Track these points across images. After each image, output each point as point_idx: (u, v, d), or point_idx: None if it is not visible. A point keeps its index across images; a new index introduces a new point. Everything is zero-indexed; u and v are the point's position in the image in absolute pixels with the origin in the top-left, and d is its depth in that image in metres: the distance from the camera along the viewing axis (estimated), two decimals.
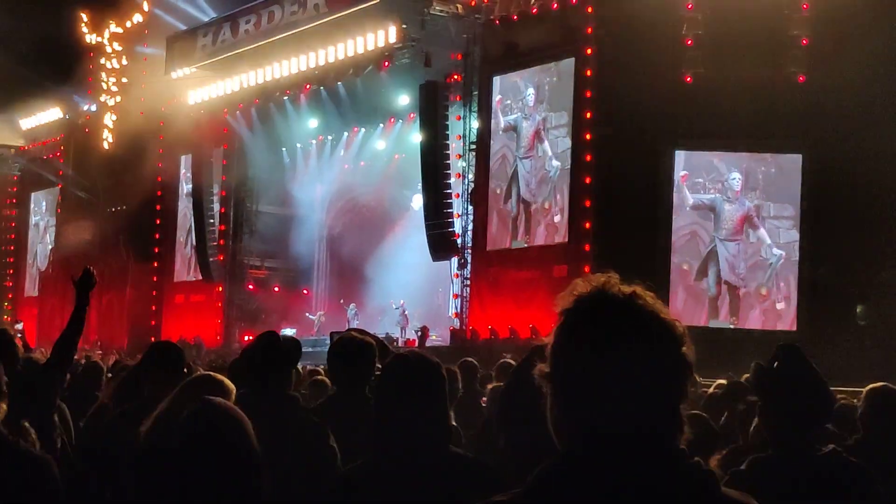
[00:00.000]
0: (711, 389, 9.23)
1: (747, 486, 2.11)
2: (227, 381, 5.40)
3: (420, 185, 28.68)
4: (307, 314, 34.14)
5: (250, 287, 35.97)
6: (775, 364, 4.17)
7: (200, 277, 35.50)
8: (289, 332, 30.71)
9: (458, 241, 27.29)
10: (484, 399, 8.31)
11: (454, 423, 6.52)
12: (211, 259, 34.76)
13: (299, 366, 11.73)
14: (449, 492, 3.35)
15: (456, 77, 27.77)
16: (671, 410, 2.06)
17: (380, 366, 6.55)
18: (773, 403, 4.20)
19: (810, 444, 4.09)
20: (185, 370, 6.10)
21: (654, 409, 2.03)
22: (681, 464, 2.04)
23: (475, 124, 27.43)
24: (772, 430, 4.20)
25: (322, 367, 9.91)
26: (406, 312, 30.67)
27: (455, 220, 27.31)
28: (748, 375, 5.21)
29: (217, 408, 3.07)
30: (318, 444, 4.65)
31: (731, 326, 22.84)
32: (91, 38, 40.10)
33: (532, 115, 26.00)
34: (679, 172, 23.71)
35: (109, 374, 9.18)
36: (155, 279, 38.22)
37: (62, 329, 7.36)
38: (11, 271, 46.42)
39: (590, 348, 2.05)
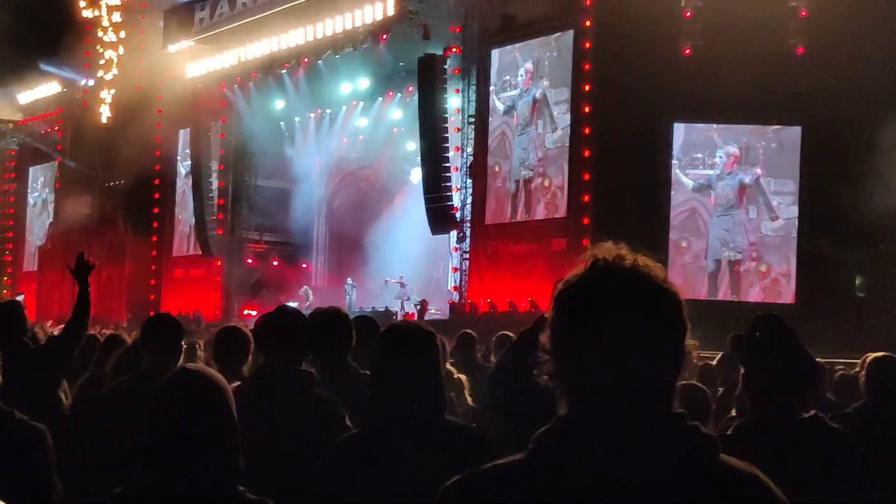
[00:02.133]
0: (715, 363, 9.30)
1: (733, 451, 2.12)
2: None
3: (419, 158, 28.62)
4: (306, 288, 34.07)
5: (249, 261, 36.00)
6: (756, 333, 4.19)
7: (199, 252, 35.50)
8: (292, 305, 30.80)
9: (457, 214, 27.27)
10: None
11: (466, 394, 6.56)
12: (210, 233, 34.72)
13: None
14: (443, 459, 3.37)
15: (455, 50, 27.66)
16: (669, 377, 2.08)
17: None
18: (754, 372, 4.23)
19: (792, 409, 4.13)
20: (183, 343, 6.12)
21: (653, 376, 2.05)
22: (679, 428, 2.05)
23: (474, 97, 27.36)
24: (754, 398, 4.25)
25: None
26: (405, 286, 30.63)
27: (454, 193, 27.27)
28: None
29: (189, 373, 3.10)
30: (330, 421, 4.64)
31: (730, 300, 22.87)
32: (88, 12, 39.95)
33: (529, 91, 25.92)
34: (674, 159, 23.73)
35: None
36: (154, 253, 38.22)
37: (61, 304, 7.49)
38: (10, 246, 46.47)
39: (586, 317, 2.07)
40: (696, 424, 2.07)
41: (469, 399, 6.95)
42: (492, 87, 26.80)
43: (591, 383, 2.05)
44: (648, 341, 2.03)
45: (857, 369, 8.77)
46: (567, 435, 2.04)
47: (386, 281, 31.21)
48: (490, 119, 26.79)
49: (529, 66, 25.90)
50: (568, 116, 24.83)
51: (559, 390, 2.12)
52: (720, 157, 23.48)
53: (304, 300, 31.69)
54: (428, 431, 3.59)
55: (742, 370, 4.34)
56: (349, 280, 32.76)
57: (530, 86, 25.85)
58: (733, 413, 4.64)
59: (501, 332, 9.62)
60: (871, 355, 6.48)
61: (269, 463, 4.00)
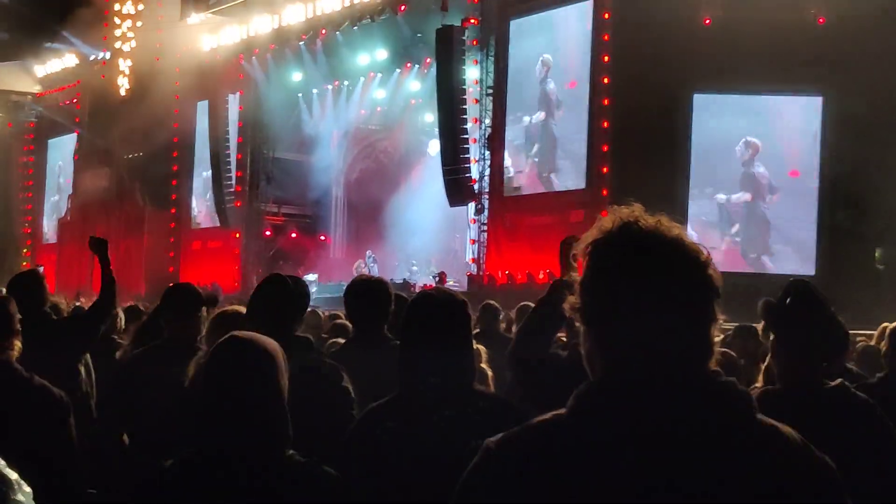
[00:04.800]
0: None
1: None
2: (242, 311, 5.46)
3: (436, 130, 28.55)
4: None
5: (267, 233, 36.04)
6: (787, 300, 4.17)
7: (217, 224, 35.56)
8: (311, 277, 30.85)
9: (475, 186, 27.24)
10: None
11: (483, 365, 6.55)
12: (228, 205, 34.77)
13: (320, 311, 11.83)
14: (473, 427, 3.36)
15: (473, 21, 27.54)
16: (702, 334, 2.11)
17: None
18: (785, 339, 4.21)
19: (819, 378, 4.12)
20: (204, 312, 6.11)
21: (685, 334, 2.08)
22: (715, 384, 2.09)
23: (492, 69, 27.28)
24: (783, 366, 4.23)
25: (341, 311, 9.89)
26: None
27: (472, 165, 27.22)
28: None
29: (239, 341, 3.10)
30: (329, 386, 4.63)
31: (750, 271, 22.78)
32: None
33: (553, 74, 25.83)
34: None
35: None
36: (172, 226, 38.29)
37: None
38: (29, 218, 46.60)
39: (618, 278, 2.11)
40: (733, 380, 2.11)
41: (487, 369, 6.93)
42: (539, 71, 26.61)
43: (627, 339, 2.08)
44: (677, 295, 2.08)
45: (878, 341, 8.77)
46: (606, 391, 2.08)
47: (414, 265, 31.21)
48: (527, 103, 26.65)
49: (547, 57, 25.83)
50: (587, 88, 24.72)
51: (592, 353, 2.15)
52: (741, 148, 23.38)
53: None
54: (457, 399, 3.58)
55: (772, 337, 4.32)
56: (369, 253, 32.73)
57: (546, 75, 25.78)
58: (759, 383, 4.62)
59: (522, 303, 9.61)
60: (890, 325, 6.44)
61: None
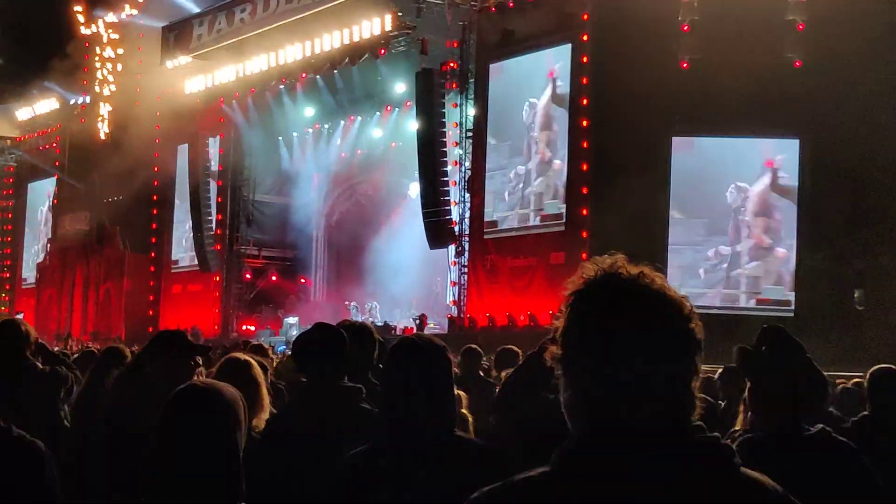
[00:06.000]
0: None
1: None
2: (252, 362, 5.46)
3: (417, 173, 28.61)
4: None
5: (247, 276, 35.97)
6: (763, 347, 4.16)
7: (198, 267, 35.47)
8: (292, 320, 30.78)
9: (456, 228, 27.27)
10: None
11: (464, 411, 6.54)
12: (208, 249, 34.72)
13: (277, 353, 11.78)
14: (453, 475, 3.34)
15: (452, 64, 27.71)
16: (683, 387, 2.08)
17: None
18: (762, 386, 4.20)
19: (800, 424, 4.10)
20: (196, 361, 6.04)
21: (666, 387, 2.05)
22: (699, 442, 2.05)
23: (471, 112, 27.39)
24: (762, 414, 4.21)
25: None
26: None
27: (452, 207, 27.27)
28: None
29: (196, 391, 3.07)
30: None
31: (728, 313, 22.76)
32: (87, 29, 40.03)
33: (536, 119, 25.94)
34: None
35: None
36: (152, 269, 38.20)
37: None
38: (9, 262, 46.49)
39: (599, 329, 2.07)
40: (717, 436, 2.08)
41: (468, 414, 6.91)
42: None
43: (607, 391, 2.05)
44: (660, 347, 2.05)
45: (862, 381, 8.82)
46: (589, 449, 2.04)
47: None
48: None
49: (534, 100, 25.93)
50: (566, 131, 24.82)
51: (571, 402, 2.12)
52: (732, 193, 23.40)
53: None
54: (438, 446, 3.56)
55: (748, 384, 4.32)
56: (354, 304, 32.55)
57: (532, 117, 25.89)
58: (737, 427, 4.61)
59: (502, 347, 9.61)
60: (873, 368, 6.48)
61: (320, 480, 3.99)
